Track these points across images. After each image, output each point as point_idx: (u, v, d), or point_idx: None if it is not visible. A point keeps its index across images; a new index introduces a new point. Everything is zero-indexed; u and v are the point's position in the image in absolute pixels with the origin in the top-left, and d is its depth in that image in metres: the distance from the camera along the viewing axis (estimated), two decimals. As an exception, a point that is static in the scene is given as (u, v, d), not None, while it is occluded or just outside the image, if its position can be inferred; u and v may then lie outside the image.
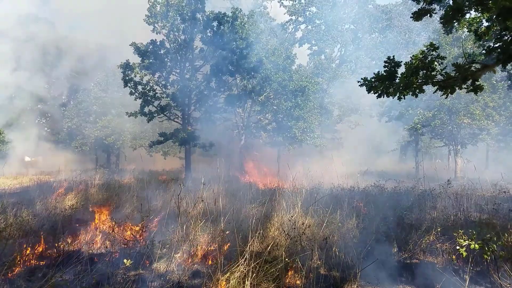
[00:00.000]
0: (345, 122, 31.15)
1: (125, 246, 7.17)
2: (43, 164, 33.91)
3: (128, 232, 8.10)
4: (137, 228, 8.02)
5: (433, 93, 6.33)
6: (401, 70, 5.73)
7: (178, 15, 19.18)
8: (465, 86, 5.42)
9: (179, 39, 19.97)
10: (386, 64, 5.66)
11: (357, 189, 13.04)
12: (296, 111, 23.27)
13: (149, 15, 19.46)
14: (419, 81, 5.55)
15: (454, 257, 6.29)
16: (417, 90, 5.59)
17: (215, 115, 22.15)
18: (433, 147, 31.95)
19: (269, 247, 6.03)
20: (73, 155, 35.74)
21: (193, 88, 19.20)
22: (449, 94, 5.57)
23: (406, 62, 5.65)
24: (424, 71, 5.51)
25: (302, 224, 7.13)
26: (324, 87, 28.77)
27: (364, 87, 5.90)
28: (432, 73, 5.48)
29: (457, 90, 5.55)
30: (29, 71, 39.49)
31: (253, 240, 5.95)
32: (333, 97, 30.02)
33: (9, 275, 5.69)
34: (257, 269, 5.24)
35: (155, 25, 19.75)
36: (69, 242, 7.67)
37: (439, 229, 7.34)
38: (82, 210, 10.07)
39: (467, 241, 5.35)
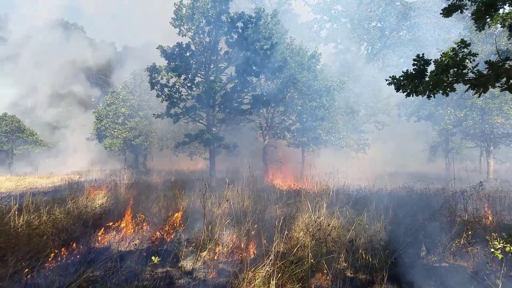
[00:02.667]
0: (372, 123, 30.46)
1: (153, 244, 7.36)
2: (74, 164, 35.25)
3: (156, 232, 8.29)
4: (165, 227, 8.21)
5: (465, 92, 6.12)
6: (431, 68, 5.57)
7: (203, 18, 19.44)
8: (499, 84, 5.21)
9: (204, 41, 20.25)
10: (415, 62, 5.52)
11: (385, 191, 12.77)
12: (321, 111, 22.93)
13: (175, 17, 19.83)
14: (450, 79, 5.38)
15: (489, 261, 6.05)
16: (448, 89, 5.42)
17: (239, 116, 22.25)
18: (464, 147, 30.73)
19: (294, 248, 6.01)
20: (103, 155, 36.98)
21: (218, 90, 19.34)
22: (482, 93, 5.37)
23: (435, 59, 5.49)
24: (455, 69, 5.33)
25: (328, 225, 7.06)
26: (350, 87, 28.26)
27: (392, 86, 5.78)
28: (464, 71, 5.30)
29: (490, 89, 5.35)
30: (57, 72, 41.36)
31: (278, 241, 5.95)
32: (359, 97, 29.47)
33: (43, 270, 5.96)
34: (282, 269, 5.24)
35: (181, 27, 20.10)
36: (99, 239, 7.95)
37: (470, 232, 7.09)
38: (111, 209, 10.39)
39: (501, 244, 5.14)
